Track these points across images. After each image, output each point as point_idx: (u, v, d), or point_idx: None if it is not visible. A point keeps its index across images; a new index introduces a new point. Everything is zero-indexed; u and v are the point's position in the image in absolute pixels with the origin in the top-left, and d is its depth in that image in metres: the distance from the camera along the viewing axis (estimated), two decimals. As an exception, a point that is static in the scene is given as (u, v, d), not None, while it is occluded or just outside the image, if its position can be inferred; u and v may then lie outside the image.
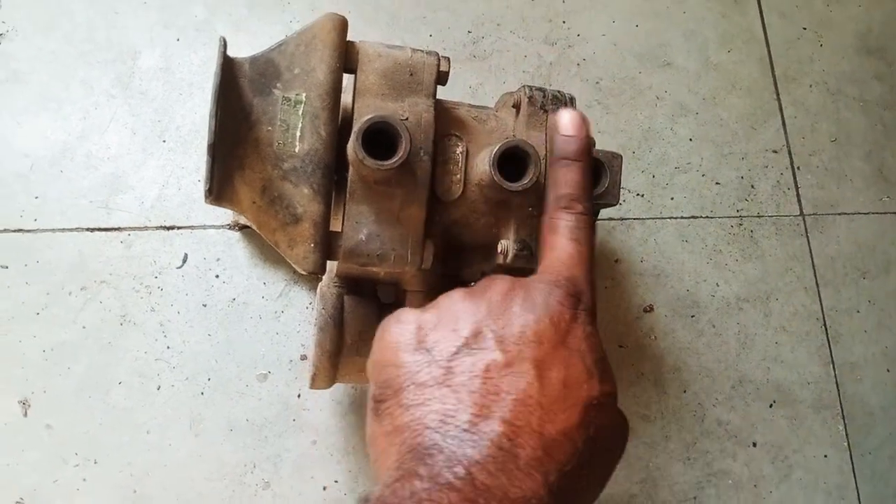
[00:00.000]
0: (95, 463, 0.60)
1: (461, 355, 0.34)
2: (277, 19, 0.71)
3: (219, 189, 0.43)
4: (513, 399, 0.32)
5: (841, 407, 0.70)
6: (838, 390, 0.71)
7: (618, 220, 0.71)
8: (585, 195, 0.43)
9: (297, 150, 0.44)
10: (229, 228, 0.65)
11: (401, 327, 0.38)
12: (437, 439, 0.31)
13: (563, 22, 0.76)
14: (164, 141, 0.67)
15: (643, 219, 0.72)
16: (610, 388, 0.36)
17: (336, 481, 0.62)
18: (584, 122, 0.44)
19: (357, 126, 0.42)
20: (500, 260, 0.49)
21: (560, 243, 0.40)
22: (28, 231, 0.64)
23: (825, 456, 0.69)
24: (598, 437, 0.34)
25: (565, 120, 0.44)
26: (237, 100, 0.44)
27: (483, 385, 0.33)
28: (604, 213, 0.68)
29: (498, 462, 0.30)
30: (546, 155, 0.49)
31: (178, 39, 0.69)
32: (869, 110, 0.79)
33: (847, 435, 0.69)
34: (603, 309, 0.68)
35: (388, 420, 0.34)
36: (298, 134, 0.44)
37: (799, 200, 0.75)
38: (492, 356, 0.34)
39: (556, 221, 0.42)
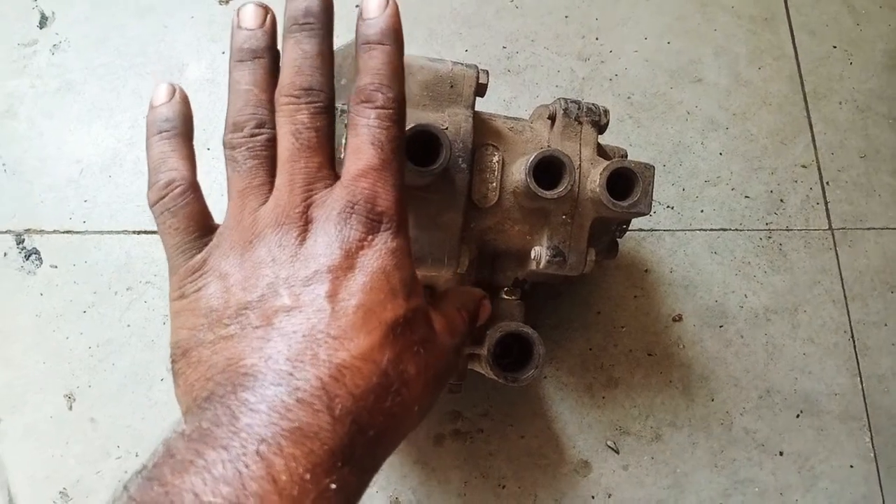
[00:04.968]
0: (137, 456, 0.62)
1: (250, 310, 0.32)
2: (319, 33, 0.73)
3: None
4: (301, 336, 0.31)
5: (868, 418, 0.70)
6: (865, 402, 0.70)
7: (648, 231, 0.72)
8: (390, 84, 0.36)
9: (340, 156, 0.46)
10: (269, 233, 0.67)
11: (198, 294, 0.35)
12: (214, 390, 0.30)
13: (596, 38, 0.77)
14: (209, 149, 0.69)
15: (673, 230, 0.72)
16: (417, 303, 0.35)
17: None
18: (388, 2, 0.37)
19: (400, 134, 0.43)
20: (533, 266, 0.50)
21: (361, 148, 0.36)
22: (77, 233, 0.66)
23: (851, 466, 0.68)
24: (408, 354, 0.33)
25: (367, 3, 0.37)
26: (286, 108, 0.45)
27: (270, 331, 0.31)
28: (635, 223, 0.69)
29: (269, 401, 0.28)
30: (580, 165, 0.51)
31: (223, 52, 0.72)
32: (898, 127, 0.79)
33: (874, 446, 0.69)
34: (633, 318, 0.69)
35: (181, 380, 0.33)
36: (343, 142, 0.46)
37: (828, 215, 0.75)
38: (280, 302, 0.32)
39: (356, 118, 0.36)
